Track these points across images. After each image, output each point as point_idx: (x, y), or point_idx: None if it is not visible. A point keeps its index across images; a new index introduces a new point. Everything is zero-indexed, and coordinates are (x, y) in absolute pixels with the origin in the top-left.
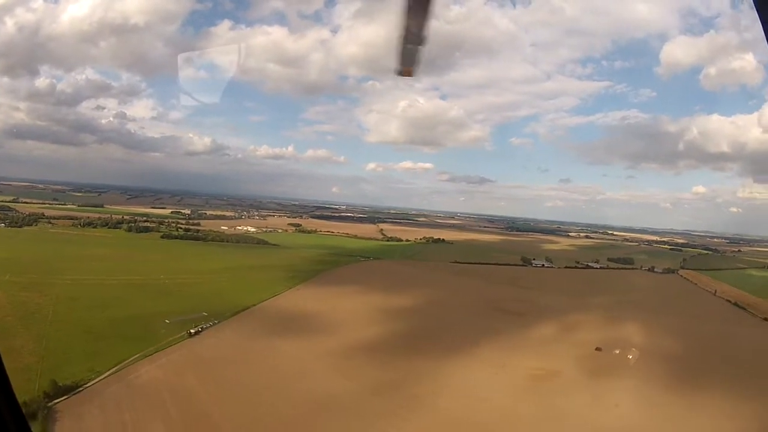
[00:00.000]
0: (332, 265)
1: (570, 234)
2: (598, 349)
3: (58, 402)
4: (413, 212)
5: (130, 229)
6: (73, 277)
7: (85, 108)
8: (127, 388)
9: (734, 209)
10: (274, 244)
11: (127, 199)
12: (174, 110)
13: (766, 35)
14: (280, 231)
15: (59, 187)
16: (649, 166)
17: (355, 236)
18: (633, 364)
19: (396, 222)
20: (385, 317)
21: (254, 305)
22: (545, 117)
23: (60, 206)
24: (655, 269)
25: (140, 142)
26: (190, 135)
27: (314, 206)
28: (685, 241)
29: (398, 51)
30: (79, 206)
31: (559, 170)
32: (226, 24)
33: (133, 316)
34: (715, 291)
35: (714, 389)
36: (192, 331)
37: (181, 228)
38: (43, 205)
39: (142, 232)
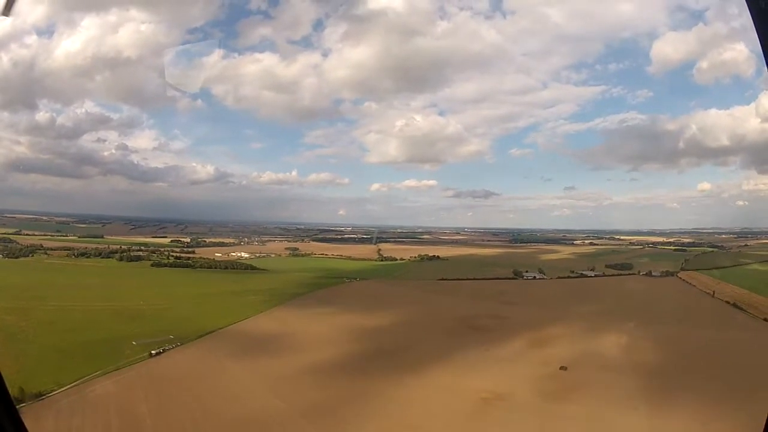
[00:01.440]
0: (314, 287)
1: (575, 242)
2: (562, 368)
3: (22, 406)
4: (419, 230)
5: (121, 258)
6: (57, 304)
7: (86, 141)
8: (82, 398)
9: (741, 203)
10: (263, 269)
11: (130, 229)
12: (175, 140)
13: (754, 23)
14: (273, 256)
15: (63, 218)
16: (651, 166)
17: (349, 257)
18: (599, 384)
19: (398, 241)
20: (349, 338)
21: (220, 329)
22: (544, 126)
23: (61, 237)
24: (653, 273)
25: (143, 173)
26: (193, 164)
27: (318, 229)
28: (692, 240)
29: None
30: (79, 237)
31: (562, 178)
32: (217, 53)
33: (104, 338)
34: (713, 292)
35: (686, 409)
36: (153, 352)
37: (172, 256)
38: (45, 237)
39: (133, 260)
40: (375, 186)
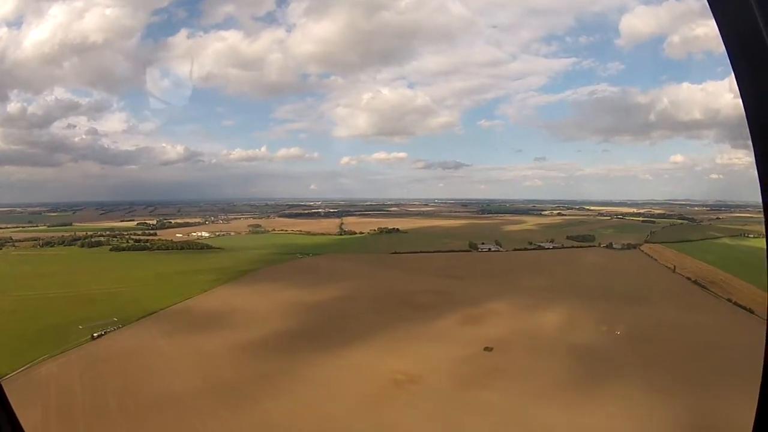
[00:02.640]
0: (266, 264)
1: (543, 213)
2: (487, 348)
3: None
4: (389, 203)
5: (83, 245)
6: (19, 294)
7: (57, 128)
8: (28, 380)
9: (714, 176)
10: (219, 248)
11: (101, 214)
12: (145, 122)
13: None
14: (233, 234)
15: (36, 209)
16: (622, 138)
17: (308, 233)
18: (523, 368)
19: (364, 214)
20: (285, 315)
21: (161, 309)
22: (514, 98)
23: (32, 228)
24: (614, 245)
25: (114, 156)
26: (164, 144)
27: (287, 205)
28: (663, 212)
29: None
30: (49, 226)
31: (533, 150)
32: (183, 33)
33: (56, 324)
34: (674, 267)
35: (614, 400)
36: (95, 335)
37: (132, 240)
38: (16, 229)
39: (93, 246)
40: (345, 159)
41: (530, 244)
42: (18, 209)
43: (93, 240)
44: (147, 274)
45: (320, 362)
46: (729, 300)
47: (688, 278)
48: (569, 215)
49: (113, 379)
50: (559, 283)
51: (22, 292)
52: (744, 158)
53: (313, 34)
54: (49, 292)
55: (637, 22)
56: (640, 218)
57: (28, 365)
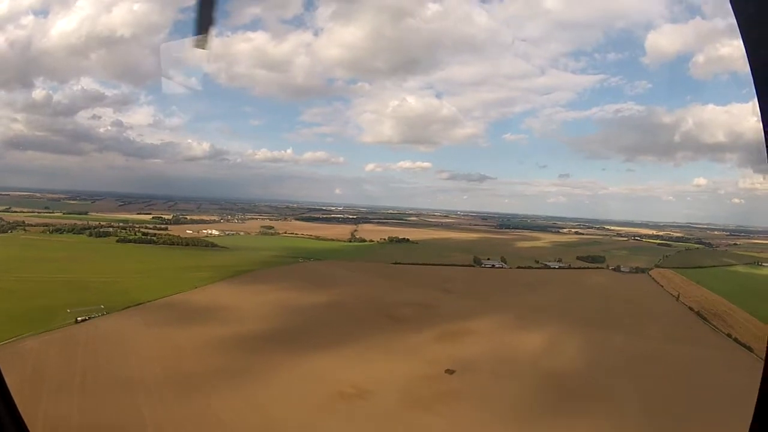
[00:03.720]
0: (264, 265)
1: (561, 230)
2: (449, 371)
3: None
4: (411, 212)
5: (90, 235)
6: (19, 275)
7: (82, 117)
8: (7, 352)
9: (737, 200)
10: (223, 246)
11: (119, 205)
12: (172, 117)
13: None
14: (242, 234)
15: (57, 195)
16: (646, 158)
17: (318, 237)
18: (480, 394)
19: (382, 222)
20: (266, 315)
21: (149, 301)
22: (541, 112)
23: (47, 214)
24: (622, 268)
25: (139, 149)
26: (189, 141)
27: (308, 208)
28: (682, 235)
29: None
30: (65, 214)
31: (557, 165)
32: (210, 32)
33: (48, 306)
34: (678, 295)
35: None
36: (79, 319)
37: (140, 233)
38: (31, 214)
39: (101, 236)
40: (370, 166)
41: (536, 262)
42: (38, 195)
43: (101, 230)
44: (145, 266)
45: (281, 365)
46: (728, 335)
47: (690, 308)
48: (587, 234)
49: (82, 360)
50: (552, 305)
51: (23, 274)
52: (766, 183)
53: (339, 39)
54: (47, 276)
55: (663, 40)
56: (657, 241)
57: (12, 339)
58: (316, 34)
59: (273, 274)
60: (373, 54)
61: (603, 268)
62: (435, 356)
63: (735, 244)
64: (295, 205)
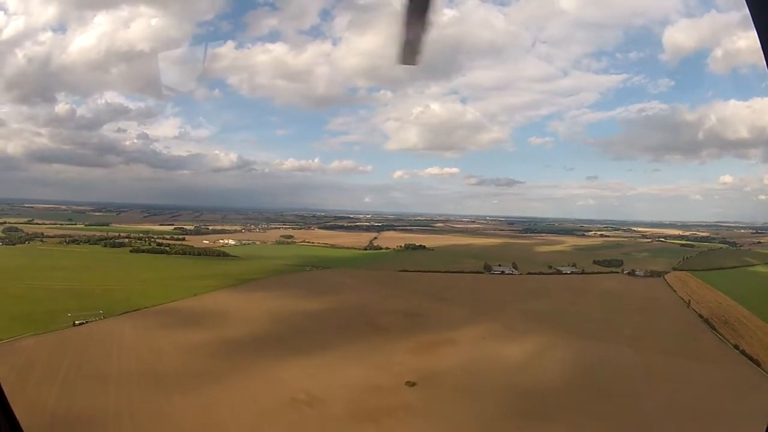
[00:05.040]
0: (272, 274)
1: (587, 234)
2: (409, 383)
3: None
4: (439, 218)
5: (106, 245)
6: (30, 283)
7: (107, 131)
8: (6, 349)
9: (763, 196)
10: (235, 256)
11: (144, 217)
12: (198, 129)
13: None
14: (258, 243)
15: (82, 207)
16: (672, 157)
17: (333, 246)
18: (434, 408)
19: (406, 229)
20: (252, 322)
21: (147, 307)
22: (566, 114)
23: (69, 226)
24: (637, 272)
25: (166, 161)
26: (216, 152)
27: (334, 217)
28: (708, 234)
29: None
30: (87, 225)
31: (584, 168)
32: (230, 44)
33: (52, 310)
34: (689, 301)
35: None
36: (77, 322)
37: (154, 243)
38: (53, 226)
39: (115, 247)
40: (398, 173)
41: (549, 267)
42: (63, 207)
43: (116, 241)
44: (152, 275)
45: (249, 369)
46: (736, 347)
47: (701, 315)
48: (612, 237)
49: (70, 357)
50: (550, 313)
51: (33, 282)
52: None
53: (357, 48)
54: (56, 283)
55: (680, 36)
56: (682, 242)
57: (12, 338)
58: (334, 43)
59: (275, 283)
60: (391, 62)
61: (618, 272)
62: (403, 367)
63: (759, 242)
64: (322, 214)
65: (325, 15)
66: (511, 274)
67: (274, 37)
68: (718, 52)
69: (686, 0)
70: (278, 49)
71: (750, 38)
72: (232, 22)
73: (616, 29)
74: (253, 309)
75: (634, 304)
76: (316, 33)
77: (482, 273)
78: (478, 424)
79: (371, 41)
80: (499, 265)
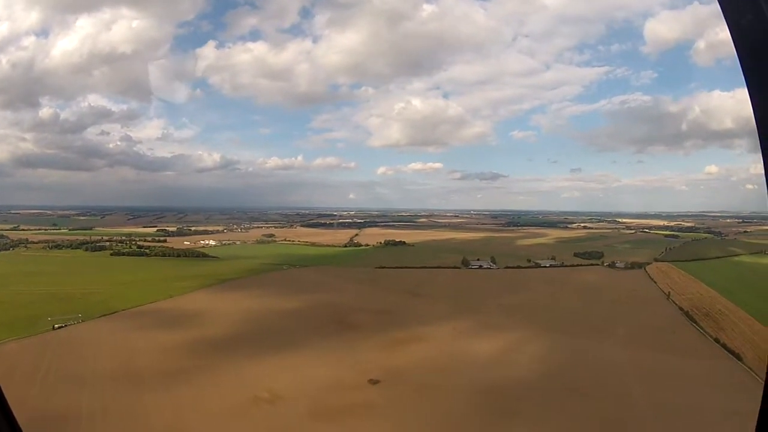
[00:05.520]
0: (249, 273)
1: (570, 226)
2: (372, 381)
3: None
4: (424, 213)
5: (87, 249)
6: (12, 289)
7: (91, 134)
8: None
9: (750, 186)
10: (214, 256)
11: (128, 219)
12: (181, 129)
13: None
14: (238, 243)
15: (67, 212)
16: (656, 148)
17: (314, 244)
18: (396, 407)
19: (389, 225)
20: (225, 321)
21: (124, 309)
22: (549, 108)
23: (54, 231)
24: (617, 264)
25: (150, 163)
26: (200, 152)
27: (317, 214)
28: (693, 224)
29: None
30: (70, 230)
31: (568, 161)
32: (210, 44)
33: (32, 315)
34: (669, 293)
35: None
36: (56, 326)
37: (135, 245)
38: (38, 231)
39: (96, 250)
40: (382, 169)
41: (528, 261)
42: (48, 212)
43: (97, 244)
44: (130, 278)
45: (216, 368)
46: (717, 340)
47: (681, 308)
48: (595, 228)
49: (48, 360)
50: (522, 308)
51: (17, 287)
52: None
53: (338, 45)
54: (38, 288)
55: (662, 28)
56: (666, 232)
57: None
58: (315, 41)
59: (251, 282)
60: (372, 58)
61: (598, 264)
62: (368, 365)
63: (745, 231)
64: (306, 212)
65: (305, 13)
66: (489, 268)
67: (254, 36)
68: (701, 44)
69: None
70: (259, 48)
71: None
72: (212, 21)
73: (598, 22)
74: (226, 309)
75: (611, 297)
76: (296, 31)
77: (460, 268)
78: (436, 421)
79: (352, 38)
80: (478, 260)
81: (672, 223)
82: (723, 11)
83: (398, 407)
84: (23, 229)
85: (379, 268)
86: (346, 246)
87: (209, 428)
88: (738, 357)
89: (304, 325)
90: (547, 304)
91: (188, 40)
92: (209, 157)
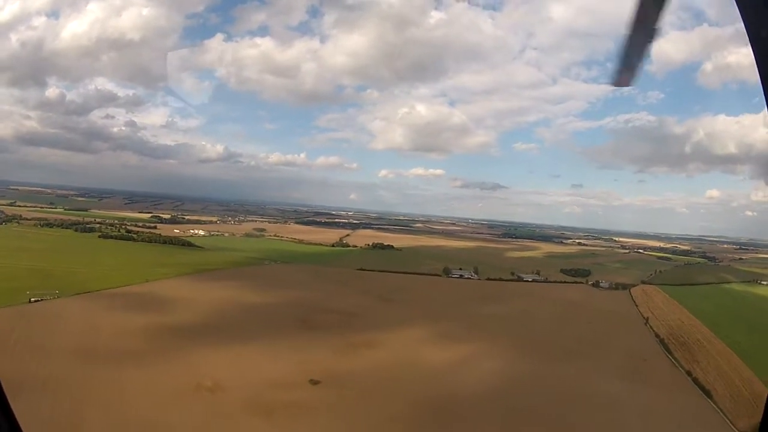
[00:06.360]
0: (229, 265)
1: (565, 241)
2: (313, 381)
3: None
4: (422, 219)
5: (77, 230)
6: None
7: (96, 117)
8: None
9: (750, 213)
10: (199, 246)
11: (125, 203)
12: (187, 119)
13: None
14: (226, 235)
15: (66, 192)
16: (659, 169)
17: (301, 241)
18: (331, 409)
19: (383, 228)
20: (194, 309)
21: (100, 290)
22: (554, 122)
23: (49, 210)
24: (601, 284)
25: (153, 150)
26: (203, 143)
27: (315, 212)
28: (690, 248)
29: (623, 52)
30: (66, 210)
31: (570, 176)
32: (219, 37)
33: (12, 288)
34: (647, 319)
35: None
36: (33, 299)
37: (124, 230)
38: (33, 209)
39: (86, 232)
40: (383, 172)
41: (512, 274)
42: (48, 190)
43: (87, 226)
44: (114, 260)
45: (171, 354)
46: (689, 374)
47: (657, 335)
48: (590, 245)
49: (20, 331)
50: (493, 321)
51: (1, 261)
52: None
53: (344, 47)
54: (23, 263)
55: (670, 48)
56: (659, 254)
57: None
58: (322, 41)
59: (230, 274)
60: (378, 62)
61: (582, 282)
62: (315, 365)
63: (740, 258)
64: (305, 209)
65: (314, 12)
66: (470, 278)
67: (262, 31)
68: (708, 66)
69: (678, 12)
70: (266, 44)
71: (741, 54)
72: (221, 15)
73: (606, 38)
74: (198, 297)
75: (586, 317)
76: (304, 29)
77: (440, 276)
78: (356, 428)
79: (359, 40)
80: (460, 269)
81: (669, 245)
82: (744, 23)
83: (327, 410)
84: (19, 206)
85: (359, 270)
86: (333, 246)
87: (145, 407)
88: (708, 393)
89: (267, 320)
90: (517, 320)
91: (197, 31)
92: (212, 148)
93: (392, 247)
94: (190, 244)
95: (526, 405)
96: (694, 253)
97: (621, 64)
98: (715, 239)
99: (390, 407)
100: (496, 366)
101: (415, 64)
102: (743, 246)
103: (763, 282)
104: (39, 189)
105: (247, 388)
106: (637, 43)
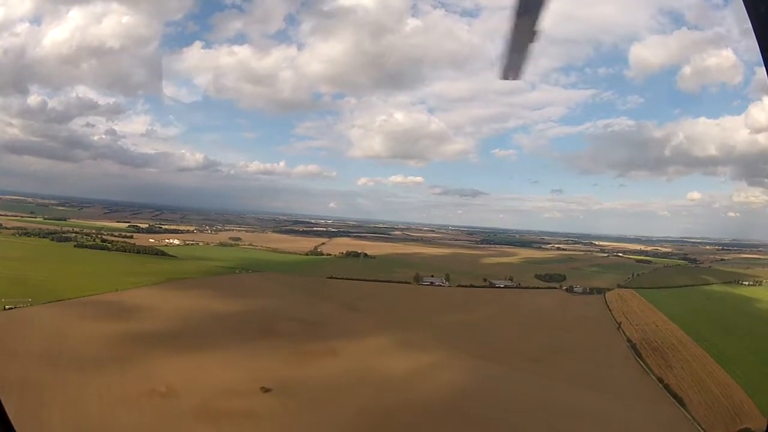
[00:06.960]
0: (201, 274)
1: (544, 246)
2: (264, 389)
3: None
4: (402, 226)
5: (53, 239)
6: None
7: (76, 125)
8: None
9: (732, 214)
10: (173, 255)
11: (104, 213)
12: (167, 127)
13: (754, 30)
14: (201, 244)
15: (46, 201)
16: (639, 173)
17: (275, 250)
18: (267, 418)
19: (361, 236)
20: (159, 317)
21: (71, 298)
22: (533, 128)
23: (29, 219)
24: (575, 289)
25: (133, 159)
26: (183, 151)
27: (293, 221)
28: (671, 250)
29: (506, 50)
30: (45, 219)
31: (549, 181)
32: (197, 44)
33: None
34: (620, 324)
35: None
36: (7, 307)
37: (98, 239)
38: (13, 218)
39: (61, 241)
40: (363, 180)
41: (484, 280)
42: (29, 199)
43: (63, 235)
44: (86, 269)
45: (130, 360)
46: (660, 381)
47: (629, 340)
48: (569, 250)
49: None
50: (458, 329)
51: None
52: (761, 196)
53: (321, 54)
54: None
55: (647, 53)
56: (639, 257)
57: None
58: (299, 48)
59: (199, 283)
60: (355, 69)
61: (556, 288)
62: (270, 374)
63: (722, 259)
64: (284, 218)
65: (291, 20)
66: (441, 285)
67: (240, 39)
68: (687, 70)
69: (657, 16)
70: (244, 52)
71: (721, 56)
72: (199, 23)
73: (585, 45)
74: (164, 306)
75: (556, 323)
76: (281, 37)
77: (411, 283)
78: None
79: (335, 48)
80: (431, 276)
81: (649, 248)
82: (752, 23)
83: (271, 417)
84: None
85: (330, 278)
86: (307, 254)
87: (97, 410)
88: (680, 402)
89: (230, 328)
90: (483, 327)
91: (176, 39)
92: (192, 156)
93: (366, 255)
94: (163, 254)
95: (479, 413)
96: (675, 255)
97: (506, 61)
98: (697, 241)
99: (337, 415)
100: (454, 375)
101: (393, 72)
102: (726, 247)
103: (744, 282)
104: (21, 198)
105: (200, 394)
106: (519, 44)
